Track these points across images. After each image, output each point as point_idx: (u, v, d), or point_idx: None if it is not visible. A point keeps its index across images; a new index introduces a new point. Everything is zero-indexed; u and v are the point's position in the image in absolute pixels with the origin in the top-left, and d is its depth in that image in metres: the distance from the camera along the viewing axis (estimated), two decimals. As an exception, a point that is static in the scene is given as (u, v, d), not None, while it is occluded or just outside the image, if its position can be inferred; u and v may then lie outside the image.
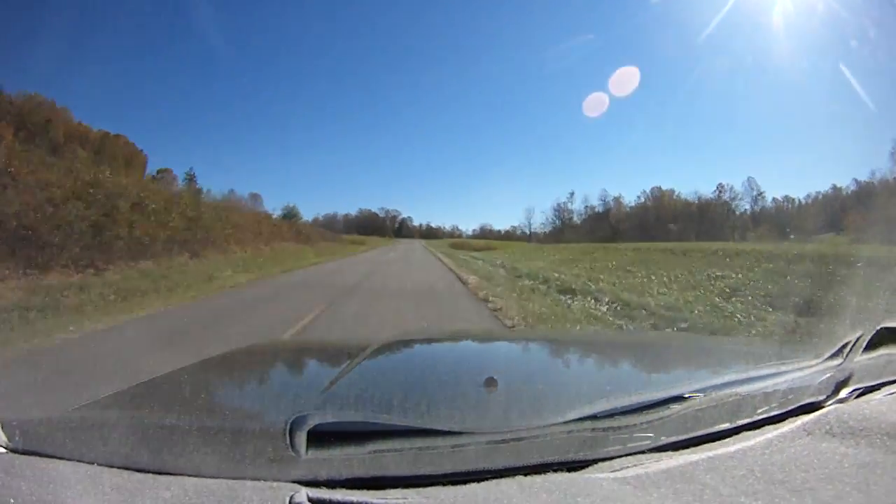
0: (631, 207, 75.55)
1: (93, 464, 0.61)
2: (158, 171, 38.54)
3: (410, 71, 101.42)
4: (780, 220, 56.32)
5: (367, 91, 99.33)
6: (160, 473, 0.59)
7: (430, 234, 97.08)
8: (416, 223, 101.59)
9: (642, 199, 75.10)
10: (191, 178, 46.00)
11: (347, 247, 42.82)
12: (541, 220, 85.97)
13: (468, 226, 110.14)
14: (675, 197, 72.06)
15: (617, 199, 77.06)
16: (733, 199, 67.09)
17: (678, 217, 67.73)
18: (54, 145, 23.92)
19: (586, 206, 79.71)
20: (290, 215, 39.94)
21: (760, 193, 65.97)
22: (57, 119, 29.47)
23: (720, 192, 67.89)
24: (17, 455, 0.64)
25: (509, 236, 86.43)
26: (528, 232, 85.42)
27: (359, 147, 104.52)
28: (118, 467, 0.60)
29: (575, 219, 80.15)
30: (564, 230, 76.27)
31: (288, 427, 0.64)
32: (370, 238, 73.28)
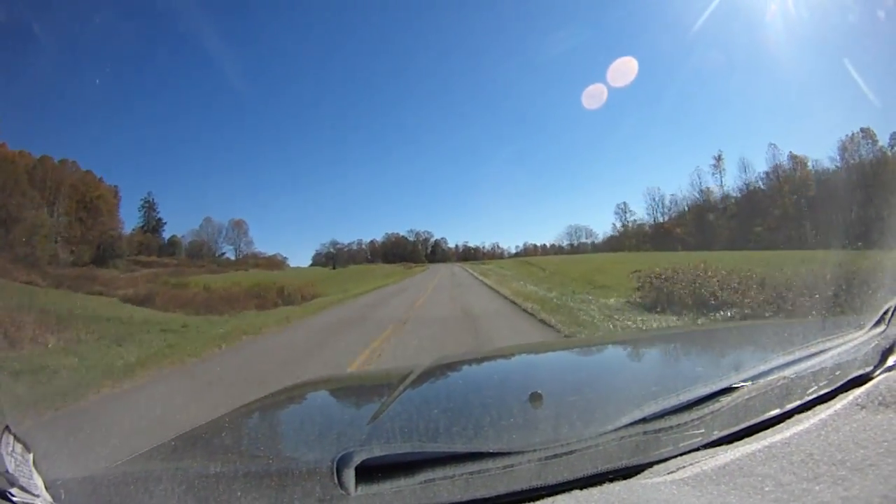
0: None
1: None
2: (98, 195, 31.08)
3: (436, 83, 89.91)
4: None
5: (387, 110, 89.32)
6: None
7: (467, 255, 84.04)
8: (450, 245, 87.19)
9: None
10: (149, 207, 38.98)
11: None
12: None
13: (511, 242, 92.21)
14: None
15: (786, 166, 39.52)
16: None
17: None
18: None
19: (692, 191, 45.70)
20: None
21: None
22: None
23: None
24: None
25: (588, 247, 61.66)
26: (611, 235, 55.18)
27: (382, 171, 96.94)
28: None
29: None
30: (708, 225, 42.97)
31: (335, 466, 0.64)
32: (377, 269, 50.05)
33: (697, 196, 46.03)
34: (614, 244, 53.83)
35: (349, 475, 0.63)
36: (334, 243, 66.48)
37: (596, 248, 59.61)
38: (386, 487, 0.63)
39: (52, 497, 0.67)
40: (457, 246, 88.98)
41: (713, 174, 45.18)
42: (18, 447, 0.69)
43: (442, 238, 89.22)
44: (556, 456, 0.66)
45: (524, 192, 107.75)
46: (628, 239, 52.37)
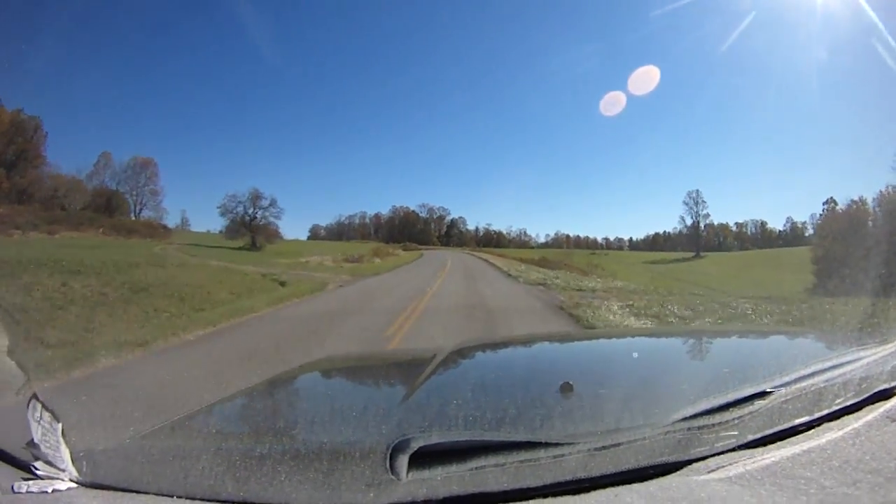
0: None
1: (172, 496, 0.59)
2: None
3: (467, 54, 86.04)
4: None
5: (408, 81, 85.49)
6: None
7: (488, 240, 71.36)
8: (469, 226, 75.26)
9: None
10: (15, 130, 29.51)
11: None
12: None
13: (540, 230, 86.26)
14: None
15: None
16: None
17: None
18: None
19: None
20: None
21: None
22: None
23: None
24: (87, 489, 0.61)
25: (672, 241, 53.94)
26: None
27: (395, 130, 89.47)
28: (199, 499, 0.58)
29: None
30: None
31: (389, 451, 0.63)
32: (319, 253, 28.33)
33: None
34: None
35: (403, 461, 0.63)
36: (257, 195, 35.77)
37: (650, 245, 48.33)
38: (437, 473, 0.62)
39: (77, 470, 0.64)
40: (476, 229, 75.96)
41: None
42: (46, 416, 0.66)
43: (460, 217, 75.91)
44: (603, 448, 0.67)
45: (566, 180, 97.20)
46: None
